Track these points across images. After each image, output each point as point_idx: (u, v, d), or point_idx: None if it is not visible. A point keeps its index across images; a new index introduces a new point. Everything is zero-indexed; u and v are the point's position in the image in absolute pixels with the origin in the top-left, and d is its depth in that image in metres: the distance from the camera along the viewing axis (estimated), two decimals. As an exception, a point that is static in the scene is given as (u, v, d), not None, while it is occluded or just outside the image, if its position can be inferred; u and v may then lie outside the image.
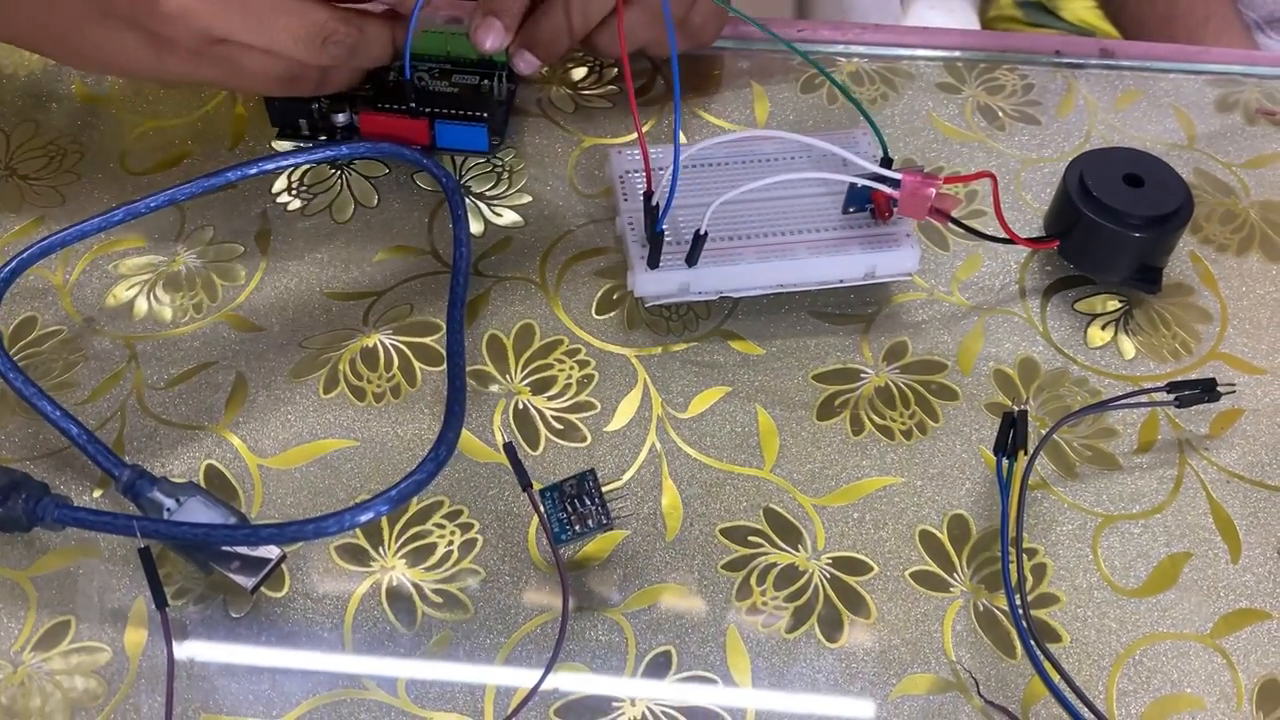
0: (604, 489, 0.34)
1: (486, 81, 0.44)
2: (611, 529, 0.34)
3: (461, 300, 0.38)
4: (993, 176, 0.38)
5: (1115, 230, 0.38)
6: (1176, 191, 0.39)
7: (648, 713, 0.31)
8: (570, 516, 0.34)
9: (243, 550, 0.32)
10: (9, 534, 0.33)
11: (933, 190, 0.37)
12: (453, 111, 0.43)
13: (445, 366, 0.38)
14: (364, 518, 0.30)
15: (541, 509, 0.33)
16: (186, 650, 0.32)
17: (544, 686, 0.31)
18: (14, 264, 0.36)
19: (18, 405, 0.36)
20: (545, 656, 0.32)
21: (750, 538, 0.35)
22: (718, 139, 0.39)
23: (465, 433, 0.36)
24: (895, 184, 0.37)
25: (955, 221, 0.38)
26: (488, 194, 0.43)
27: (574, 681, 0.32)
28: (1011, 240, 0.39)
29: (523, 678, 0.32)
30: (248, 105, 0.46)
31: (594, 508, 0.34)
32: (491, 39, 0.40)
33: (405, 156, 0.43)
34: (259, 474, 0.35)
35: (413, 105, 0.42)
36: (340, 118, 0.43)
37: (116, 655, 0.32)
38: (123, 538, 0.34)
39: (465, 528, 0.34)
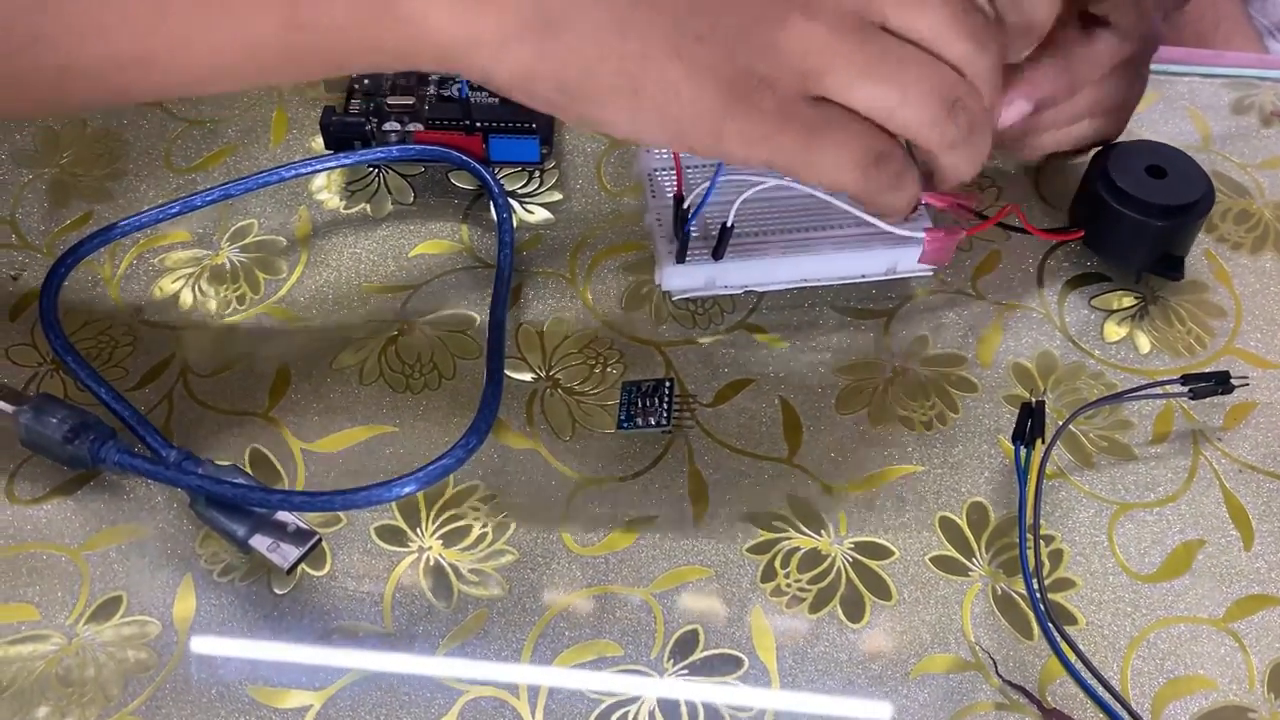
0: (675, 400, 0.37)
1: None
2: (670, 432, 0.37)
3: (504, 300, 0.39)
4: (1016, 208, 0.40)
5: (1139, 219, 0.39)
6: (1198, 182, 0.40)
7: (676, 687, 0.32)
8: (638, 410, 0.37)
9: (281, 526, 0.34)
10: (75, 470, 0.35)
11: (955, 243, 0.39)
12: (504, 124, 0.44)
13: (483, 358, 0.39)
14: (392, 494, 0.32)
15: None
16: (233, 625, 0.33)
17: (579, 661, 0.33)
18: (75, 251, 0.38)
19: (74, 388, 0.38)
20: (577, 634, 0.33)
21: (774, 523, 0.36)
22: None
23: (500, 420, 0.37)
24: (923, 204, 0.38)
25: (980, 215, 0.40)
26: (520, 192, 0.45)
27: (606, 657, 0.33)
28: (1037, 235, 0.41)
29: (555, 653, 0.33)
30: (287, 106, 0.47)
31: (661, 409, 0.36)
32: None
33: (453, 160, 0.44)
34: (301, 458, 0.37)
35: (469, 122, 0.44)
36: (393, 136, 0.44)
37: (166, 628, 0.33)
38: (171, 519, 0.35)
39: (498, 510, 0.36)
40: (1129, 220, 0.40)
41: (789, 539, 0.35)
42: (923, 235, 0.39)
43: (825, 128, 0.28)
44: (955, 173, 0.31)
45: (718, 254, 0.39)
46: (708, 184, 0.38)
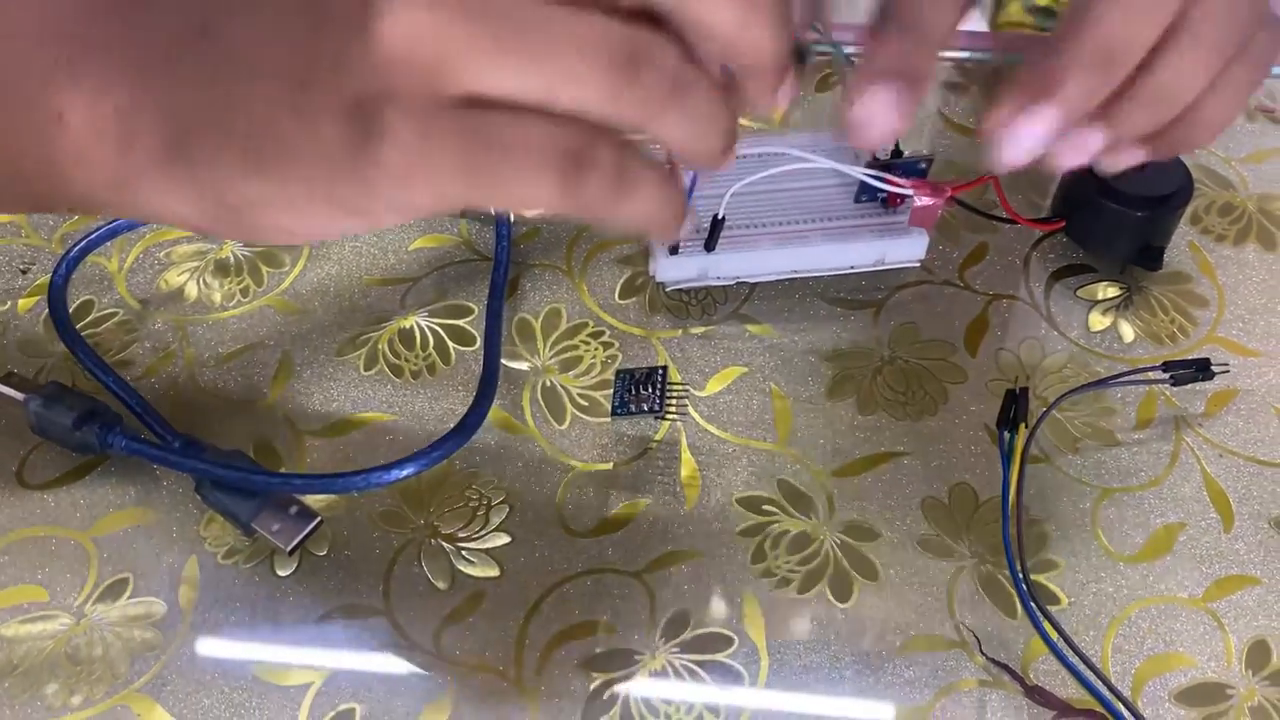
0: (668, 388, 0.38)
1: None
2: (662, 418, 0.38)
3: (501, 291, 0.40)
4: (994, 179, 0.40)
5: (1119, 210, 0.40)
6: (1176, 174, 0.41)
7: (667, 665, 0.33)
8: (632, 396, 0.38)
9: (283, 509, 0.35)
10: (83, 456, 0.37)
11: (941, 204, 0.39)
12: None
13: (479, 346, 0.40)
14: (391, 477, 0.33)
15: None
16: (237, 605, 0.34)
17: (573, 640, 0.33)
18: (82, 245, 0.39)
19: (82, 376, 0.39)
20: (572, 614, 0.34)
21: (764, 507, 0.37)
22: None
23: (497, 407, 0.38)
24: (909, 175, 0.39)
25: (960, 203, 0.40)
26: (517, 186, 0.46)
27: (599, 636, 0.34)
28: (1019, 222, 0.41)
29: (550, 633, 0.34)
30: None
31: (654, 397, 0.37)
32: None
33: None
34: (303, 445, 0.38)
35: None
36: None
37: (171, 609, 0.34)
38: (177, 503, 0.36)
39: (495, 494, 0.37)
40: (1109, 211, 0.40)
41: (779, 522, 0.36)
42: (909, 214, 0.40)
43: (488, 133, 0.22)
44: (692, 153, 0.24)
45: (710, 246, 0.40)
46: (692, 173, 0.38)
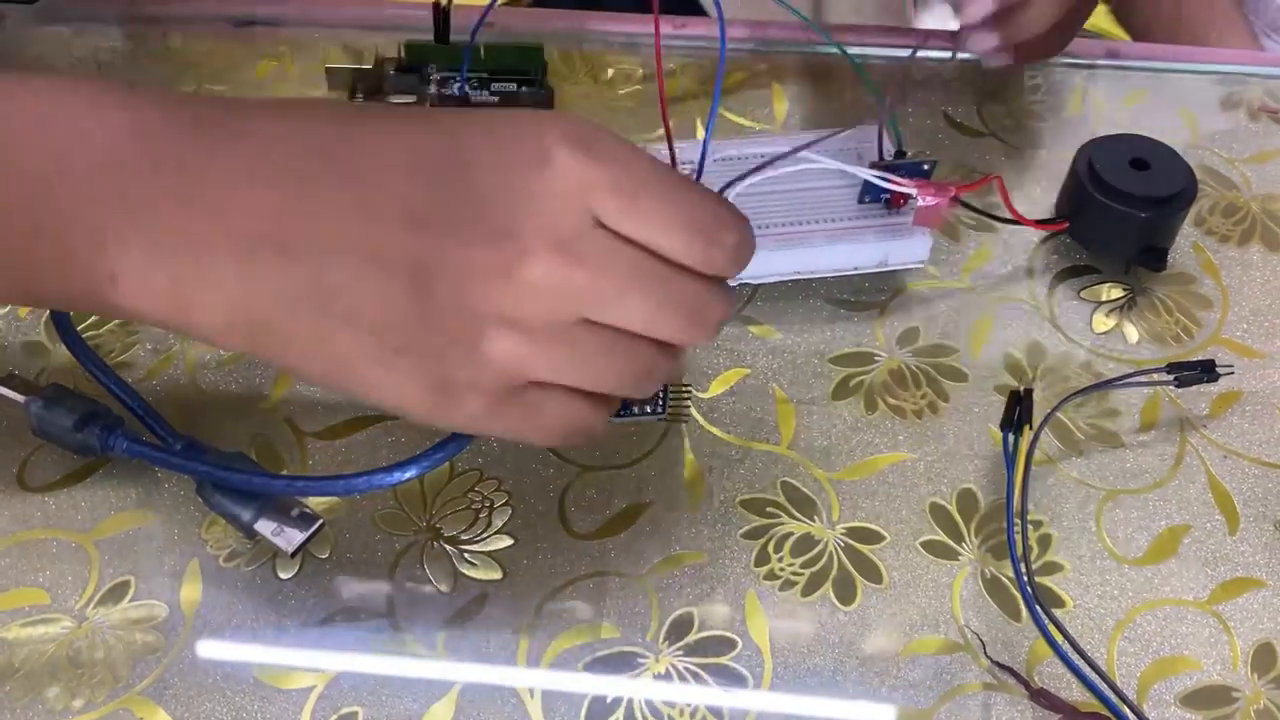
0: (671, 390, 0.37)
1: (525, 88, 0.47)
2: (664, 420, 0.37)
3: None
4: (998, 179, 0.40)
5: (1122, 211, 0.40)
6: (1180, 175, 0.41)
7: (671, 668, 0.33)
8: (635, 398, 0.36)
9: (285, 511, 0.34)
10: (84, 458, 0.37)
11: (945, 204, 0.39)
12: None
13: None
14: (393, 479, 0.32)
15: None
16: (238, 608, 0.34)
17: (576, 643, 0.33)
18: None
19: (83, 378, 0.39)
20: (575, 617, 0.34)
21: (768, 509, 0.36)
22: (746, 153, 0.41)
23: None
24: (913, 177, 0.39)
25: (964, 204, 0.40)
26: (519, 187, 0.45)
27: (602, 639, 0.34)
28: (1021, 223, 0.41)
29: (552, 636, 0.34)
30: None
31: (656, 398, 0.36)
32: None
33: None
34: (305, 447, 0.38)
35: None
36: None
37: (173, 612, 0.34)
38: (178, 506, 0.36)
39: (499, 496, 0.36)
40: (1113, 212, 0.40)
41: (782, 524, 0.36)
42: (913, 214, 0.40)
43: (533, 411, 0.28)
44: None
45: (713, 247, 0.40)
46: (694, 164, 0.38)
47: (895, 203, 0.41)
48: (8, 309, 0.41)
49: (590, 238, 0.27)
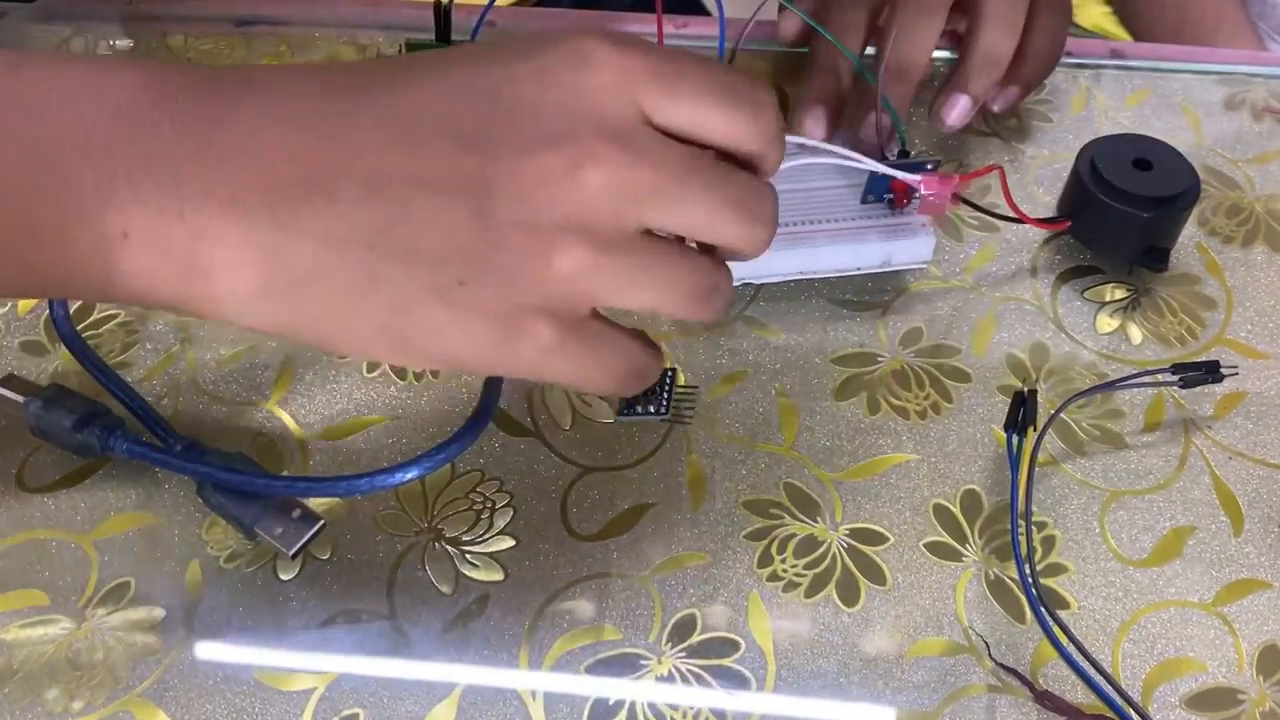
0: (675, 391, 0.37)
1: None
2: (668, 420, 0.37)
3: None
4: (1000, 169, 0.40)
5: (1124, 211, 0.40)
6: (1183, 175, 0.41)
7: (674, 670, 0.33)
8: (638, 398, 0.35)
9: (286, 512, 0.34)
10: (84, 459, 0.36)
11: (950, 191, 0.39)
12: None
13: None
14: (395, 480, 0.32)
15: None
16: (239, 610, 0.34)
17: (578, 645, 0.33)
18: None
19: (84, 379, 0.38)
20: (577, 618, 0.34)
21: (771, 510, 0.36)
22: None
23: (501, 409, 0.38)
24: (916, 168, 0.39)
25: (965, 201, 0.40)
26: (520, 187, 0.45)
27: (605, 641, 0.33)
28: (1023, 220, 0.41)
29: (554, 637, 0.33)
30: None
31: (660, 398, 0.36)
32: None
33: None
34: (306, 447, 0.37)
35: None
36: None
37: (173, 613, 0.34)
38: (178, 507, 0.36)
39: (500, 497, 0.36)
40: (1115, 212, 0.40)
41: (785, 526, 0.36)
42: (919, 208, 0.40)
43: (598, 348, 0.28)
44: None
45: (715, 247, 0.39)
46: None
47: (898, 202, 0.41)
48: (7, 307, 0.41)
49: (644, 134, 0.26)
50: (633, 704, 0.32)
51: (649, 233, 0.27)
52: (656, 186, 0.26)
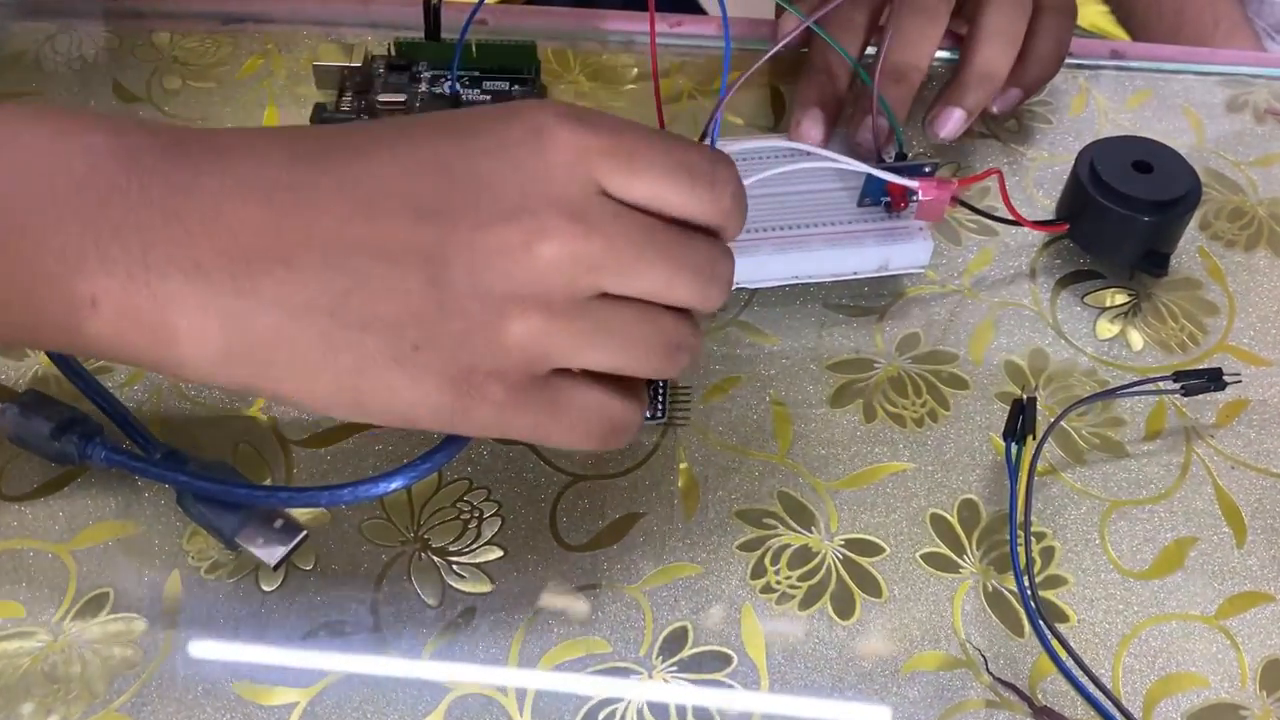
0: (667, 396, 0.37)
1: (518, 87, 0.46)
2: (664, 423, 0.37)
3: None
4: (999, 172, 0.39)
5: (1124, 214, 0.39)
6: (1184, 178, 0.40)
7: (664, 683, 0.32)
8: None
9: (268, 522, 0.34)
10: (62, 467, 0.36)
11: (948, 195, 0.38)
12: None
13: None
14: (379, 490, 0.31)
15: None
16: (220, 622, 0.33)
17: (567, 658, 0.32)
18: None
19: (63, 384, 0.38)
20: (566, 631, 0.33)
21: (765, 520, 0.36)
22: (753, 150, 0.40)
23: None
24: (914, 172, 0.38)
25: (963, 203, 0.40)
26: (511, 189, 0.45)
27: (594, 654, 0.33)
28: (1020, 223, 0.40)
29: (543, 650, 0.33)
30: (279, 104, 0.47)
31: (655, 402, 0.36)
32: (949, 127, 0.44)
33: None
34: (290, 455, 0.37)
35: None
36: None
37: (152, 625, 0.33)
38: (159, 516, 0.35)
39: (489, 507, 0.36)
40: (1114, 215, 0.39)
41: (779, 536, 0.35)
42: (916, 213, 0.39)
43: (560, 403, 0.28)
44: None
45: (708, 250, 0.39)
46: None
47: (895, 206, 0.40)
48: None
49: (599, 206, 0.26)
50: (623, 715, 0.31)
51: (609, 295, 0.27)
52: (611, 257, 0.26)
